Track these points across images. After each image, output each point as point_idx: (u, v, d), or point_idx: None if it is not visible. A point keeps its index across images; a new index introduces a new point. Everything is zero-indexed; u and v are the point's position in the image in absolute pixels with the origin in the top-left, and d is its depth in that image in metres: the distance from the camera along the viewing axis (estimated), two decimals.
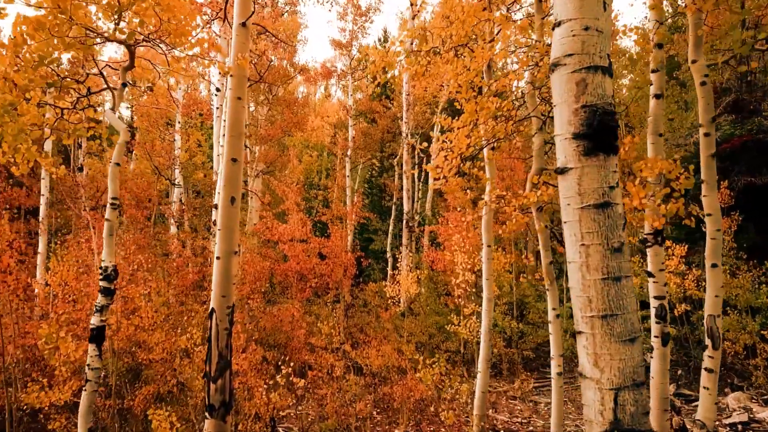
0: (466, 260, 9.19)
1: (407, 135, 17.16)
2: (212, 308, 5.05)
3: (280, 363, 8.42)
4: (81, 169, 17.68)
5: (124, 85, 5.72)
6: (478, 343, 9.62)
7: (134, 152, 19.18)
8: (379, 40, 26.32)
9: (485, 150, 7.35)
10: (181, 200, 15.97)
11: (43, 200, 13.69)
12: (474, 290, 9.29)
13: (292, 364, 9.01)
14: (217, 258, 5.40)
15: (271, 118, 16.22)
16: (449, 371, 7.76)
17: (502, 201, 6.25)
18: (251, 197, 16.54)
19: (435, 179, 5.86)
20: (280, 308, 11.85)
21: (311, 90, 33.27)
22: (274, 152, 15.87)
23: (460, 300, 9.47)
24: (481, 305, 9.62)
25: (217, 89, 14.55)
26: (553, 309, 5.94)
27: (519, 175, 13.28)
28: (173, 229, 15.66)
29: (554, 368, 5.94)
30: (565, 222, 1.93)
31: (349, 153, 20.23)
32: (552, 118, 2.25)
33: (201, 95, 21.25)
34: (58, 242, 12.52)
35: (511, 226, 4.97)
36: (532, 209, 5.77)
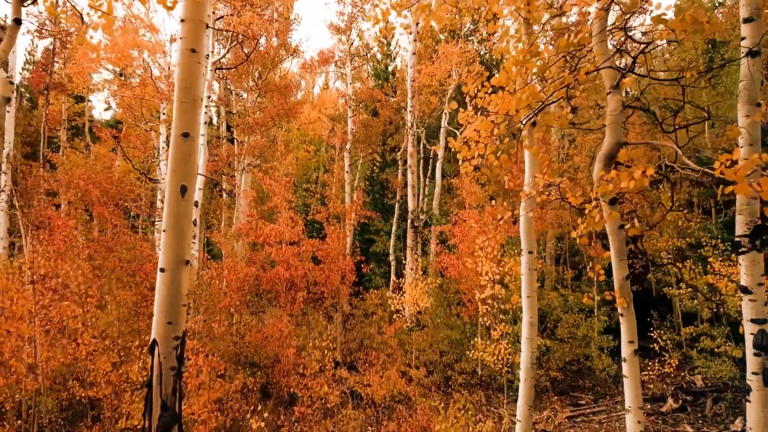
0: (495, 269, 7.43)
1: (412, 125, 15.43)
2: (153, 339, 3.74)
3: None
4: (52, 165, 15.99)
5: (17, 21, 4.00)
6: (509, 369, 7.90)
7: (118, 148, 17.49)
8: (380, 31, 24.59)
9: (524, 128, 5.62)
10: (160, 199, 14.32)
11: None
12: (500, 306, 7.57)
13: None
14: (161, 270, 3.96)
15: (260, 104, 14.50)
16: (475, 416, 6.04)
17: (553, 191, 4.55)
18: (239, 194, 14.84)
19: (463, 160, 4.16)
20: (266, 323, 10.14)
21: (309, 82, 31.60)
22: (264, 143, 14.13)
23: (485, 320, 7.72)
24: (509, 324, 7.90)
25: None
26: (631, 342, 4.22)
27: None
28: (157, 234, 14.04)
29: (631, 426, 4.23)
30: None
31: (348, 146, 18.49)
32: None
33: None
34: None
35: (590, 223, 3.28)
36: (601, 201, 4.05)
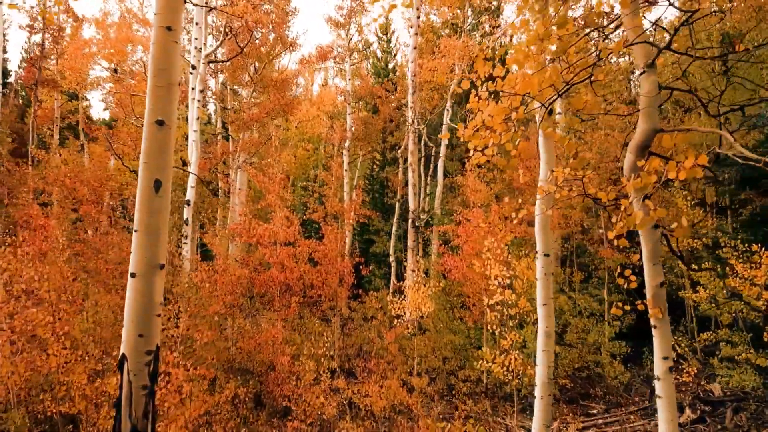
0: (505, 273, 6.89)
1: (413, 121, 14.90)
2: (123, 354, 3.37)
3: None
4: (38, 162, 15.44)
5: None
6: (524, 382, 7.32)
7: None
8: (380, 27, 24.06)
9: (538, 116, 5.10)
10: None
11: None
12: (508, 312, 7.03)
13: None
14: (132, 275, 3.51)
15: (256, 100, 13.97)
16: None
17: (575, 186, 4.04)
18: (234, 193, 14.31)
19: (474, 150, 3.64)
20: (260, 328, 9.62)
21: (308, 79, 31.10)
22: (260, 140, 13.60)
23: (493, 327, 7.16)
24: (519, 331, 7.34)
25: (193, 66, 12.37)
26: (665, 358, 3.70)
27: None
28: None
29: None
30: None
31: (347, 144, 17.97)
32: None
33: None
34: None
35: (630, 222, 2.75)
36: (631, 197, 3.53)
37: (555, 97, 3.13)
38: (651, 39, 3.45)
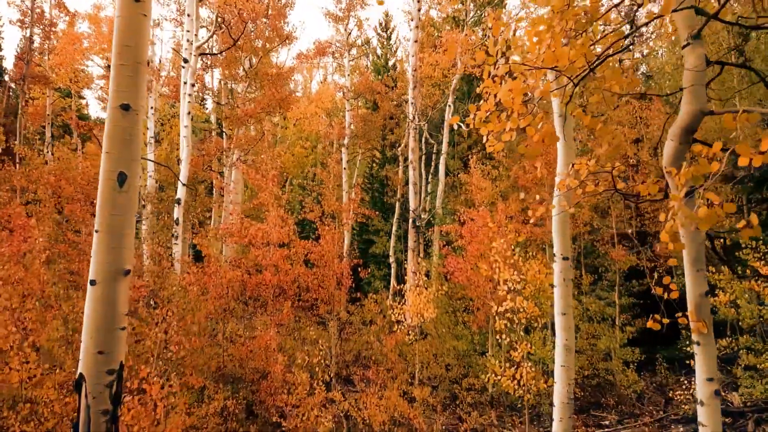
0: (515, 276, 6.33)
1: (414, 117, 14.37)
2: (80, 374, 2.94)
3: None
4: (21, 160, 14.90)
5: None
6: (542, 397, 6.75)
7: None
8: (380, 24, 23.52)
9: (556, 103, 4.57)
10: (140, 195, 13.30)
11: None
12: (519, 320, 6.47)
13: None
14: (92, 283, 3.06)
15: (250, 95, 13.45)
16: None
17: (599, 181, 3.53)
18: (227, 192, 13.78)
19: (488, 137, 3.12)
20: (253, 333, 9.10)
21: (307, 77, 30.58)
22: (255, 136, 13.07)
23: (503, 337, 6.61)
24: (527, 338, 6.78)
25: (185, 60, 11.86)
26: (710, 380, 3.18)
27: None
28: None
29: None
30: None
31: (345, 141, 17.44)
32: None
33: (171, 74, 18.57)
34: None
35: (692, 218, 2.23)
36: (681, 191, 3.00)
37: (586, 71, 2.60)
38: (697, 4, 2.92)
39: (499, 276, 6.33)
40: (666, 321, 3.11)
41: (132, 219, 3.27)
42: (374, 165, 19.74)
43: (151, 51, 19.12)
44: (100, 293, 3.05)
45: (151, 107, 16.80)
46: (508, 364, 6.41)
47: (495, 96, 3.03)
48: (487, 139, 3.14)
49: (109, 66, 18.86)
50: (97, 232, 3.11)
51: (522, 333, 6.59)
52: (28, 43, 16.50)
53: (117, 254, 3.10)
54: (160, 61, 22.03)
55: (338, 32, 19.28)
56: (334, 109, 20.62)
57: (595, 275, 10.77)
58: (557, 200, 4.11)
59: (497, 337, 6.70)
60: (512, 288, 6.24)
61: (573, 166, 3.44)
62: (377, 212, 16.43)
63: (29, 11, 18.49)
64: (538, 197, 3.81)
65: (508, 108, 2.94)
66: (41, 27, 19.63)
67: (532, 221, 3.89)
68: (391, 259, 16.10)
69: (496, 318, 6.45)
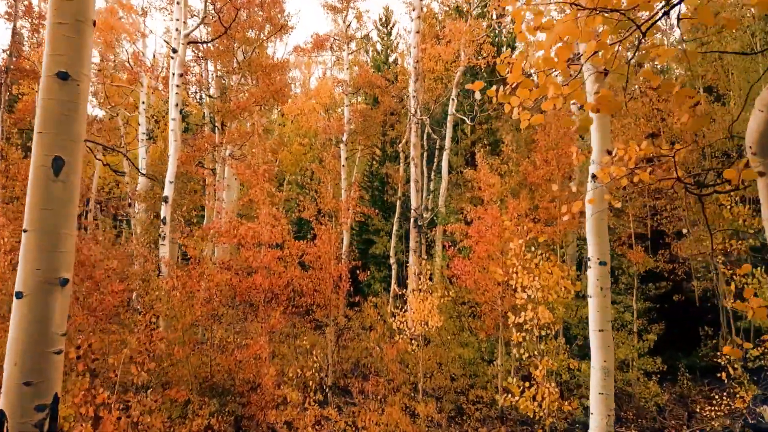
0: (536, 283, 5.59)
1: (416, 111, 13.69)
2: (1, 411, 2.25)
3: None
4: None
5: None
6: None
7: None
8: (380, 18, 22.83)
9: (590, 81, 3.86)
10: (128, 192, 12.63)
11: None
12: (537, 332, 5.74)
13: None
14: (18, 295, 2.41)
15: (243, 87, 12.76)
16: None
17: (654, 170, 2.84)
18: (219, 189, 13.08)
19: (521, 109, 2.44)
20: (243, 340, 8.41)
21: (305, 74, 29.94)
22: (248, 131, 12.38)
23: (521, 353, 5.89)
24: (550, 357, 6.03)
25: (174, 50, 11.17)
26: None
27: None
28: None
29: None
30: None
31: (344, 137, 16.75)
32: None
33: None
34: None
35: None
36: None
37: (670, 5, 1.89)
38: None
39: (516, 282, 5.61)
40: (753, 349, 2.43)
41: (72, 215, 2.59)
42: (374, 162, 19.06)
43: (143, 44, 18.45)
44: (27, 308, 2.41)
45: (142, 102, 16.17)
46: (524, 382, 5.67)
47: (526, 59, 2.33)
48: (519, 114, 2.44)
49: (102, 59, 18.20)
50: (25, 231, 2.45)
51: (542, 347, 5.90)
52: (11, 35, 15.79)
53: (51, 259, 2.45)
54: (154, 56, 21.40)
55: (337, 24, 18.61)
56: (333, 104, 19.92)
57: (612, 278, 10.09)
58: (593, 194, 3.43)
59: (514, 351, 5.98)
60: (532, 296, 5.51)
61: (615, 151, 2.75)
62: (377, 211, 15.74)
63: (15, 3, 17.81)
64: (574, 189, 3.11)
65: (547, 69, 2.24)
66: (29, 20, 18.96)
67: (565, 218, 3.19)
68: (392, 260, 15.42)
69: (513, 330, 5.73)
